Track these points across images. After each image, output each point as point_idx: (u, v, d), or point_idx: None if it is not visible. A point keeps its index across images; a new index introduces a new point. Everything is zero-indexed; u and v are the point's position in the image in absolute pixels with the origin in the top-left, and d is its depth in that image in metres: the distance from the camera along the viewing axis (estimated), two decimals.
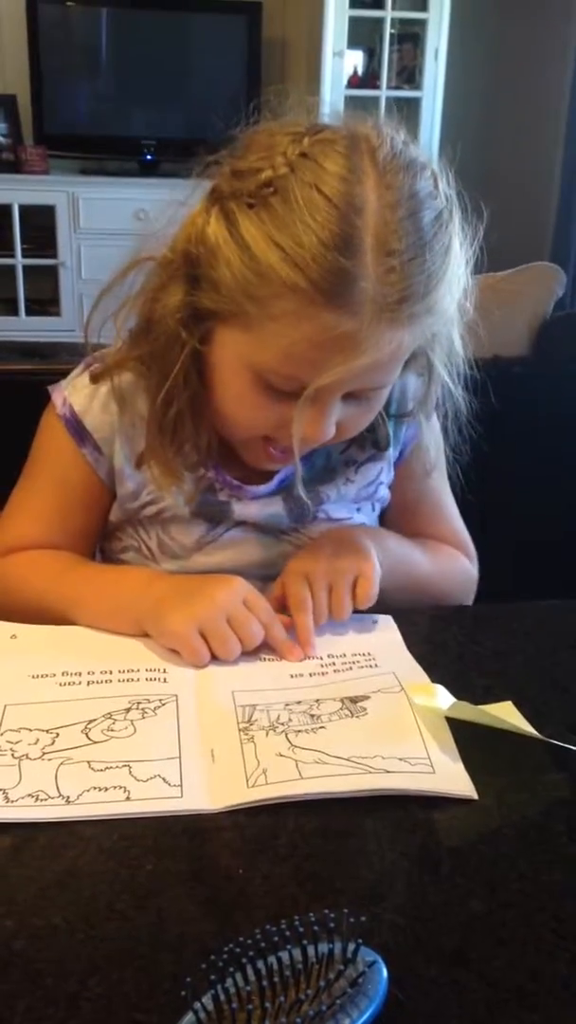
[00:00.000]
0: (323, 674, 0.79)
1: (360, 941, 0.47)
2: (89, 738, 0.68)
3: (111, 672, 0.77)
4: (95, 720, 0.71)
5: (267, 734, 0.70)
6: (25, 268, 3.88)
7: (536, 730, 0.69)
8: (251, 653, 0.80)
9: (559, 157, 3.59)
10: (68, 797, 0.62)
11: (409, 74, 3.91)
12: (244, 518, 0.94)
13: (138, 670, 0.78)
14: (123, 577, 0.90)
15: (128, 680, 0.76)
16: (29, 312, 3.93)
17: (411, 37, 3.86)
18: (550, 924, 0.54)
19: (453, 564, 1.04)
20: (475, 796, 0.64)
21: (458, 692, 0.73)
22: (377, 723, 0.72)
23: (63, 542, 0.95)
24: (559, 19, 3.53)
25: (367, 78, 3.95)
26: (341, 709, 0.73)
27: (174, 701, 0.74)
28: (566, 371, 1.79)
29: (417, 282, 0.74)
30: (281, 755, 0.67)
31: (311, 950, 0.46)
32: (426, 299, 0.75)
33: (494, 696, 0.75)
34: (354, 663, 0.81)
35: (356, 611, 0.86)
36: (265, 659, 0.81)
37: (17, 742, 0.68)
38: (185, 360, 0.83)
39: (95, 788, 0.63)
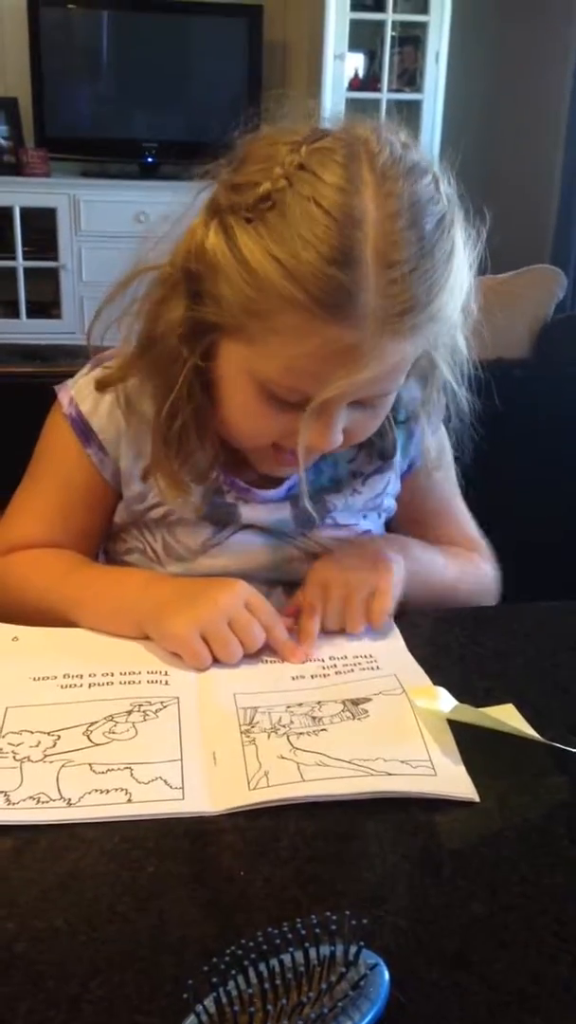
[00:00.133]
0: (324, 676, 0.79)
1: (362, 944, 0.47)
2: (91, 740, 0.68)
3: (112, 674, 0.77)
4: (96, 722, 0.71)
5: (268, 736, 0.70)
6: (26, 270, 3.88)
7: (537, 732, 0.69)
8: (253, 655, 0.80)
9: (559, 160, 3.60)
10: (69, 799, 0.62)
11: (410, 77, 3.92)
12: (251, 521, 0.94)
13: (139, 672, 0.78)
14: (124, 579, 0.90)
15: (130, 682, 0.76)
16: (30, 314, 3.93)
17: (412, 40, 3.87)
18: (551, 927, 0.54)
19: (475, 568, 1.04)
20: (476, 799, 0.64)
21: (459, 694, 0.73)
22: (379, 725, 0.72)
23: (65, 542, 0.94)
24: (560, 22, 3.54)
25: (368, 81, 3.96)
26: (343, 711, 0.73)
27: (176, 703, 0.74)
28: (566, 373, 1.79)
29: (419, 292, 0.73)
30: (282, 757, 0.67)
31: (313, 953, 0.46)
32: (429, 308, 0.74)
33: (495, 698, 0.75)
34: (356, 665, 0.81)
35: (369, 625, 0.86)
36: (267, 661, 0.81)
37: (18, 744, 0.68)
38: (188, 374, 0.82)
39: (96, 790, 0.63)
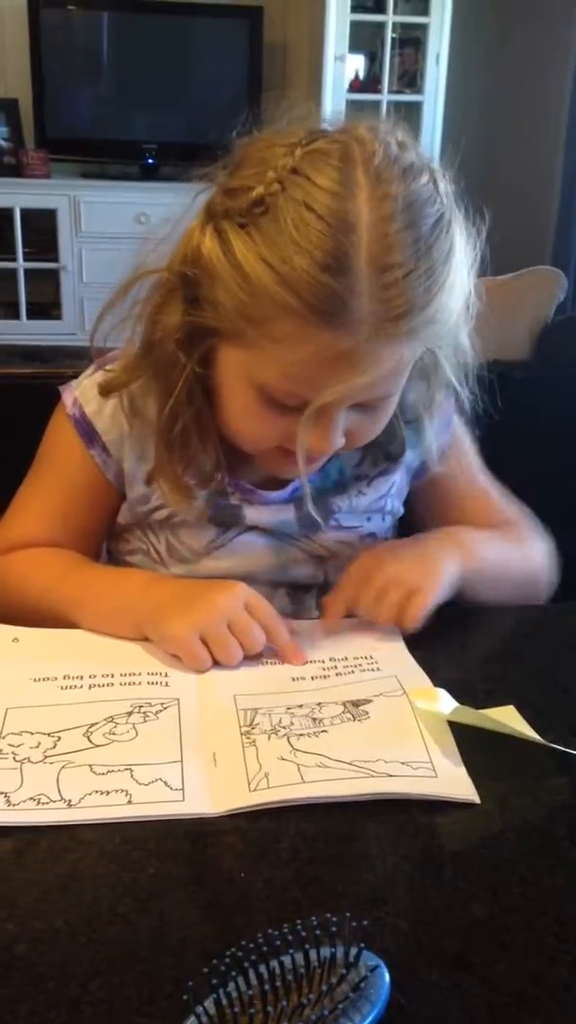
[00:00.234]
0: (325, 677, 0.79)
1: (362, 945, 0.47)
2: (91, 741, 0.68)
3: (113, 676, 0.77)
4: (97, 724, 0.71)
5: (269, 738, 0.70)
6: (26, 272, 3.88)
7: (538, 734, 0.69)
8: (253, 657, 0.80)
9: (560, 161, 3.61)
10: (70, 801, 0.62)
11: (410, 78, 3.92)
12: (255, 523, 0.94)
13: (140, 674, 0.78)
14: (124, 580, 0.90)
15: (130, 684, 0.76)
16: (30, 316, 3.93)
17: (412, 41, 3.87)
18: (552, 928, 0.54)
19: (532, 546, 1.00)
20: (477, 800, 0.64)
21: (460, 696, 0.73)
22: (379, 727, 0.72)
23: (67, 541, 0.94)
24: (560, 23, 3.54)
25: (368, 82, 3.96)
26: (343, 713, 0.73)
27: (176, 705, 0.74)
28: (567, 375, 1.79)
29: (416, 295, 0.72)
30: (283, 759, 0.67)
31: (313, 954, 0.46)
32: (426, 310, 0.74)
33: (495, 699, 0.75)
34: (356, 666, 0.81)
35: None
36: (267, 663, 0.81)
37: (19, 745, 0.68)
38: (187, 378, 0.82)
39: (97, 792, 0.63)
